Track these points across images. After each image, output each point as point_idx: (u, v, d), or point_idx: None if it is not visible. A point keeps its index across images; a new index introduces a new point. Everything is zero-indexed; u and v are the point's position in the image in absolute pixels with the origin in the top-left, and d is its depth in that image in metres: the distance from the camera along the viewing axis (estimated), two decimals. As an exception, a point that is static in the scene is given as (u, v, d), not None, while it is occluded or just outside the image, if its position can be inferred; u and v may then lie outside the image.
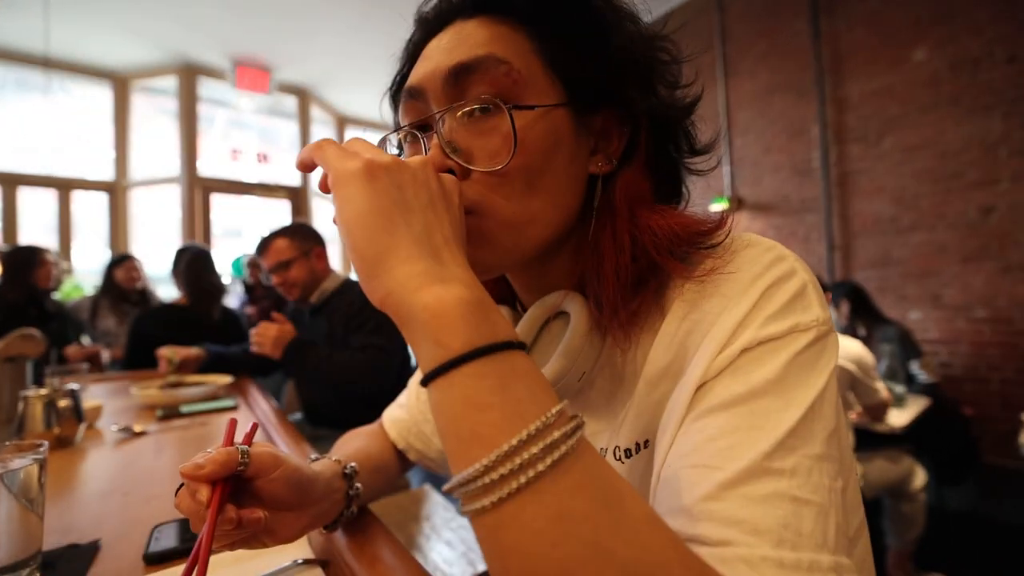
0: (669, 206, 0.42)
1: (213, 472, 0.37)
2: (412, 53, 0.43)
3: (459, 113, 0.37)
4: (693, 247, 0.38)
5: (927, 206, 2.97)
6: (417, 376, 0.66)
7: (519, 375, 0.26)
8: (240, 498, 0.40)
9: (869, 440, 1.92)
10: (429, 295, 0.27)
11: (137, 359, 2.05)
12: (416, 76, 0.40)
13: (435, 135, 0.38)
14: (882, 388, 1.82)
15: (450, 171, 0.37)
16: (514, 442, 0.23)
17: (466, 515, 0.24)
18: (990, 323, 2.77)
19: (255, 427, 0.43)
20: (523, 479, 0.23)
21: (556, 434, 0.24)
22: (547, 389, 0.27)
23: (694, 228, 0.38)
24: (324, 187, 0.31)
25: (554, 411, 0.25)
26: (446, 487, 0.25)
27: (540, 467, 0.23)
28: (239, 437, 0.42)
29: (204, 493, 0.37)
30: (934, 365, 2.34)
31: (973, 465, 2.39)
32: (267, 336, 1.53)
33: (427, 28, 0.42)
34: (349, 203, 0.29)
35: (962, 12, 2.82)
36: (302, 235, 1.71)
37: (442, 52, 0.39)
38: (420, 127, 0.41)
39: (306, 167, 0.32)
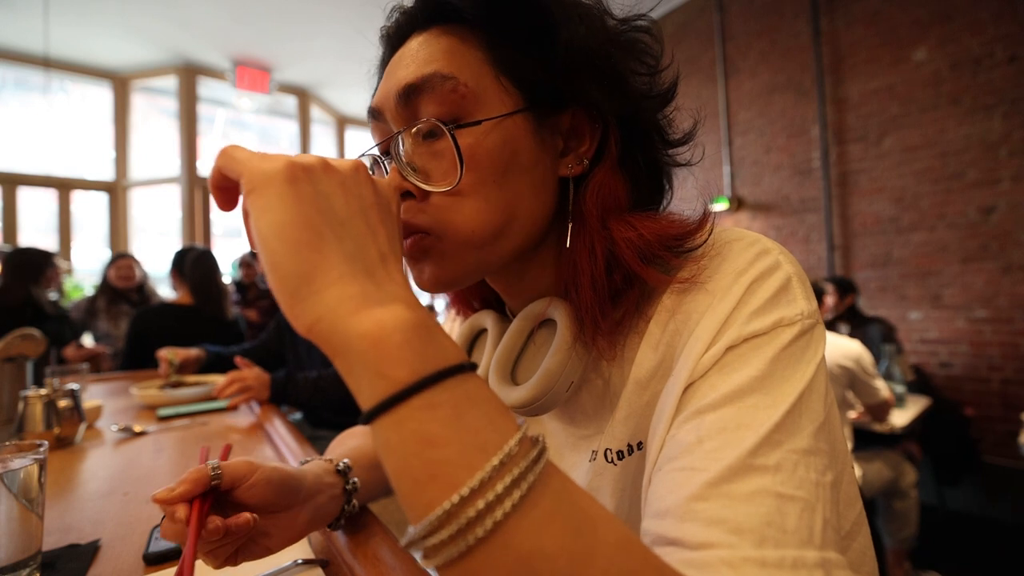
0: (647, 211, 0.41)
1: (186, 491, 0.38)
2: (382, 71, 0.43)
3: (413, 131, 0.37)
4: (672, 253, 0.37)
5: (927, 206, 2.97)
6: None
7: (474, 401, 0.24)
8: (225, 511, 0.40)
9: (869, 441, 1.93)
10: (367, 320, 0.24)
11: (135, 358, 2.05)
12: (376, 97, 0.40)
13: (393, 158, 0.38)
14: (883, 387, 1.83)
15: (408, 193, 0.37)
16: (475, 483, 0.21)
17: (429, 567, 0.22)
18: (990, 323, 2.77)
19: (228, 448, 0.43)
20: (490, 523, 0.20)
21: (521, 464, 0.22)
22: (505, 413, 0.24)
23: (672, 233, 0.37)
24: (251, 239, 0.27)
25: (515, 440, 0.23)
26: (404, 542, 0.22)
27: (508, 505, 0.21)
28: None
29: (182, 511, 0.37)
30: (908, 365, 2.34)
31: (972, 466, 2.39)
32: (249, 382, 1.39)
33: (390, 44, 0.42)
34: (267, 213, 0.25)
35: (962, 12, 2.82)
36: None
37: (396, 70, 0.38)
38: (385, 150, 0.41)
39: (220, 189, 0.28)
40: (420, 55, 0.37)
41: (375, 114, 0.40)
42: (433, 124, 0.36)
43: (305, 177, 0.26)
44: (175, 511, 0.37)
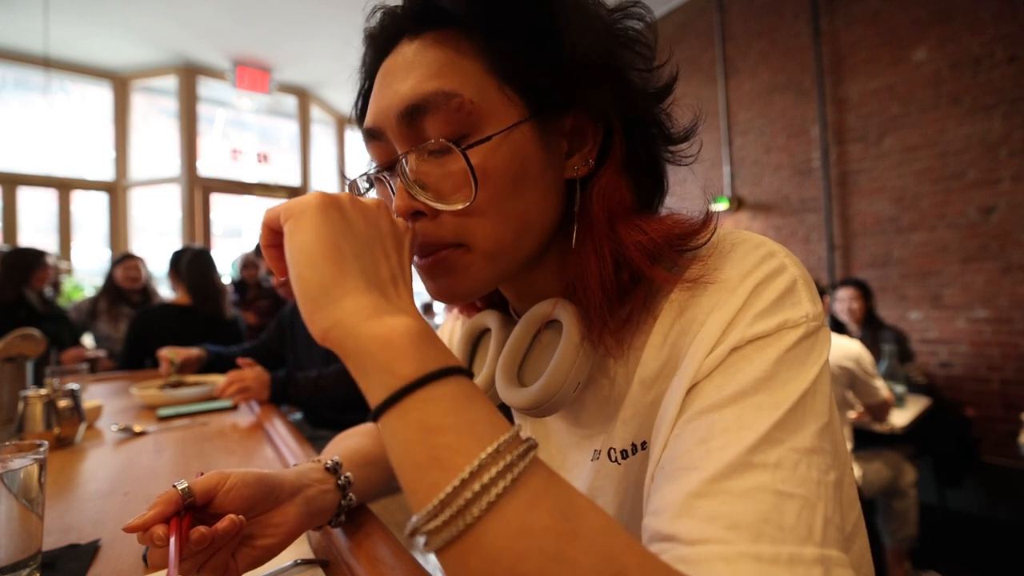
0: (651, 212, 0.41)
1: (158, 512, 0.38)
2: (369, 72, 0.42)
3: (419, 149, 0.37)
4: (677, 252, 0.38)
5: (927, 206, 2.97)
6: None
7: (470, 398, 0.27)
8: (209, 523, 0.40)
9: (869, 441, 1.93)
10: (378, 326, 0.27)
11: (134, 359, 2.05)
12: (372, 116, 0.39)
13: (399, 178, 0.37)
14: (883, 386, 1.83)
15: (419, 212, 0.37)
16: (475, 464, 0.23)
17: (431, 551, 0.24)
18: (990, 323, 2.77)
19: (200, 473, 0.43)
20: (484, 503, 0.23)
21: (513, 453, 0.24)
22: (497, 413, 0.27)
23: (677, 232, 0.38)
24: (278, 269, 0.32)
25: (508, 434, 0.25)
26: (408, 530, 0.24)
27: (500, 486, 0.23)
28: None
29: (161, 529, 0.37)
30: (922, 371, 2.36)
31: (972, 466, 2.39)
32: (249, 382, 1.39)
33: (376, 47, 0.40)
34: (297, 233, 0.29)
35: (962, 12, 2.82)
36: None
37: (392, 83, 0.37)
38: (388, 167, 0.40)
39: (271, 247, 0.33)
40: (417, 68, 0.36)
41: (374, 133, 0.39)
42: (443, 145, 0.35)
43: (334, 205, 0.30)
44: (154, 532, 0.37)
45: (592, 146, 0.40)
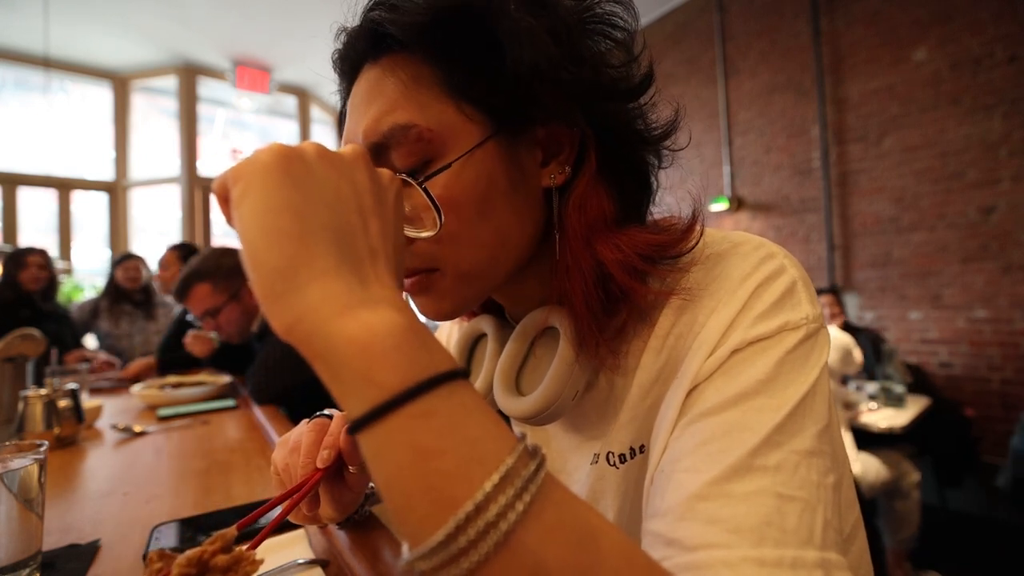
0: (637, 219, 0.41)
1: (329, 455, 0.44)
2: (343, 95, 0.42)
3: None
4: (661, 266, 0.37)
5: (927, 206, 2.97)
6: None
7: (469, 410, 0.22)
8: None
9: (869, 441, 1.93)
10: (353, 323, 0.22)
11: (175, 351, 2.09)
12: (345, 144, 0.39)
13: None
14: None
15: None
16: (479, 497, 0.20)
17: None
18: (990, 323, 2.77)
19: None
20: (491, 542, 0.19)
21: (523, 475, 0.21)
22: (499, 423, 0.23)
23: (655, 243, 0.37)
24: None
25: (515, 453, 0.21)
26: (403, 565, 0.21)
27: (512, 517, 0.20)
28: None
29: (327, 455, 0.44)
30: (903, 369, 2.37)
31: (972, 466, 2.39)
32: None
33: (343, 73, 0.41)
34: (247, 201, 0.23)
35: (962, 12, 2.81)
36: (224, 275, 1.54)
37: (356, 114, 0.37)
38: None
39: (223, 200, 0.26)
40: (376, 100, 0.36)
41: None
42: (403, 180, 0.35)
43: (295, 160, 0.25)
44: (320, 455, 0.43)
45: (569, 152, 0.39)
